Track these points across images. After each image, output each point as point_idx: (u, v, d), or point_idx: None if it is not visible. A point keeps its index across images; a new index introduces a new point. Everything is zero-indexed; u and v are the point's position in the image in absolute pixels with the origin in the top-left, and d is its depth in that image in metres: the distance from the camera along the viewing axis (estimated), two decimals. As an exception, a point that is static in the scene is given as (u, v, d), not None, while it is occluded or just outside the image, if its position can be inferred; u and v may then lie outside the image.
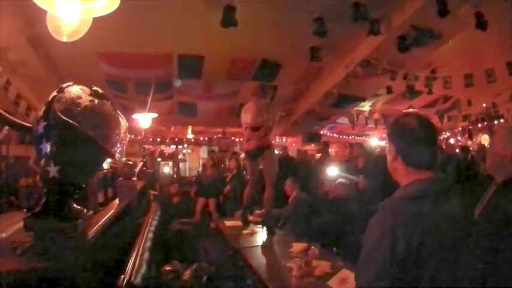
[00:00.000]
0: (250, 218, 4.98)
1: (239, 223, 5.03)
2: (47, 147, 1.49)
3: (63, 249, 1.56)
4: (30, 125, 1.62)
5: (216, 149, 12.13)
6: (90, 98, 1.56)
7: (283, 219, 4.53)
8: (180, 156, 13.73)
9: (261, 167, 4.83)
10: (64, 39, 1.94)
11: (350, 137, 14.00)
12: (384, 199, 1.53)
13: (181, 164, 13.66)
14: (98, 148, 1.53)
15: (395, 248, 1.34)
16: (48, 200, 1.58)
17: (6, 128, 3.11)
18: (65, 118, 1.46)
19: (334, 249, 3.41)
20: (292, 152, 10.80)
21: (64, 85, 1.60)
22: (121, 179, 3.89)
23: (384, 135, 12.79)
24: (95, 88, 1.63)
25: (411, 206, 1.42)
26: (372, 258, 1.40)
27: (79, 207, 1.69)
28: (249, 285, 3.42)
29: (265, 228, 4.55)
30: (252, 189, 5.14)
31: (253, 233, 4.52)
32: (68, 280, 1.55)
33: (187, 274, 3.17)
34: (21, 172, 3.23)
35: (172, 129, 12.45)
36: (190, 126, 12.56)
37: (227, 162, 8.44)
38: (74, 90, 1.56)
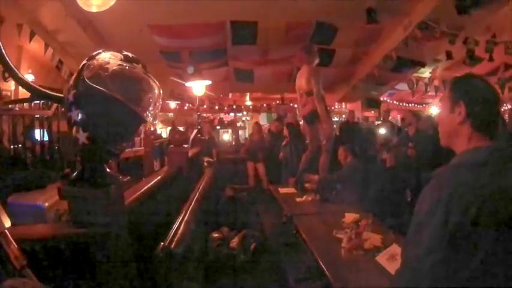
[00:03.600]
0: (306, 185, 4.92)
1: (293, 190, 5.01)
2: (77, 115, 1.47)
3: (98, 215, 1.55)
4: (62, 96, 1.60)
5: (275, 115, 12.05)
6: (119, 62, 1.51)
7: (335, 186, 4.41)
8: (239, 124, 13.84)
9: None
10: (94, 9, 1.90)
11: (410, 105, 13.43)
12: (433, 169, 1.41)
13: (240, 132, 13.78)
14: (128, 112, 1.48)
15: (450, 218, 1.22)
16: (81, 167, 1.58)
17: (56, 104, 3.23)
18: (92, 84, 1.42)
19: (387, 221, 3.23)
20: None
21: (94, 53, 1.56)
22: (172, 146, 3.92)
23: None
24: (125, 53, 1.58)
25: (470, 174, 1.29)
26: (423, 230, 1.29)
27: (115, 174, 1.68)
28: (299, 254, 3.37)
29: (318, 195, 4.48)
30: (311, 155, 5.07)
31: (306, 201, 4.48)
32: (103, 246, 1.56)
33: (234, 241, 3.16)
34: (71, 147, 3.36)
35: (230, 96, 12.50)
36: (248, 94, 12.55)
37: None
38: (103, 56, 1.52)
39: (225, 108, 12.71)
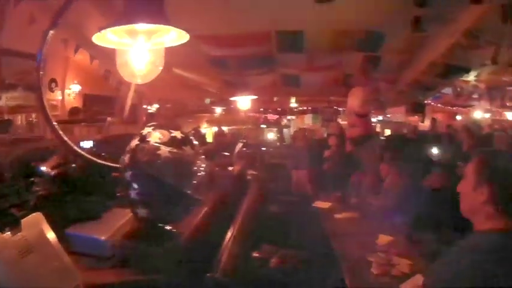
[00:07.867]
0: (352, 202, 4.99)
1: (330, 205, 5.08)
2: (135, 193, 1.78)
3: (158, 266, 1.80)
4: (119, 166, 1.90)
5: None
6: (169, 149, 1.77)
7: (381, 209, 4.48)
8: (283, 122, 14.04)
9: None
10: (139, 81, 2.09)
11: (454, 108, 13.14)
12: None
13: (285, 130, 13.94)
14: (179, 192, 1.79)
15: None
16: (141, 229, 1.90)
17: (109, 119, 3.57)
18: (147, 169, 1.73)
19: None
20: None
21: (144, 132, 1.83)
22: (217, 168, 3.87)
23: (488, 108, 11.79)
24: (173, 134, 1.84)
25: (481, 259, 1.37)
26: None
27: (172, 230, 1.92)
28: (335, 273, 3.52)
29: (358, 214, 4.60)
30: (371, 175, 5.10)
31: (346, 218, 4.57)
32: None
33: (274, 262, 3.42)
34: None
35: (275, 99, 12.68)
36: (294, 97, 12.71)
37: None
38: (154, 137, 1.79)
39: (270, 110, 12.94)
